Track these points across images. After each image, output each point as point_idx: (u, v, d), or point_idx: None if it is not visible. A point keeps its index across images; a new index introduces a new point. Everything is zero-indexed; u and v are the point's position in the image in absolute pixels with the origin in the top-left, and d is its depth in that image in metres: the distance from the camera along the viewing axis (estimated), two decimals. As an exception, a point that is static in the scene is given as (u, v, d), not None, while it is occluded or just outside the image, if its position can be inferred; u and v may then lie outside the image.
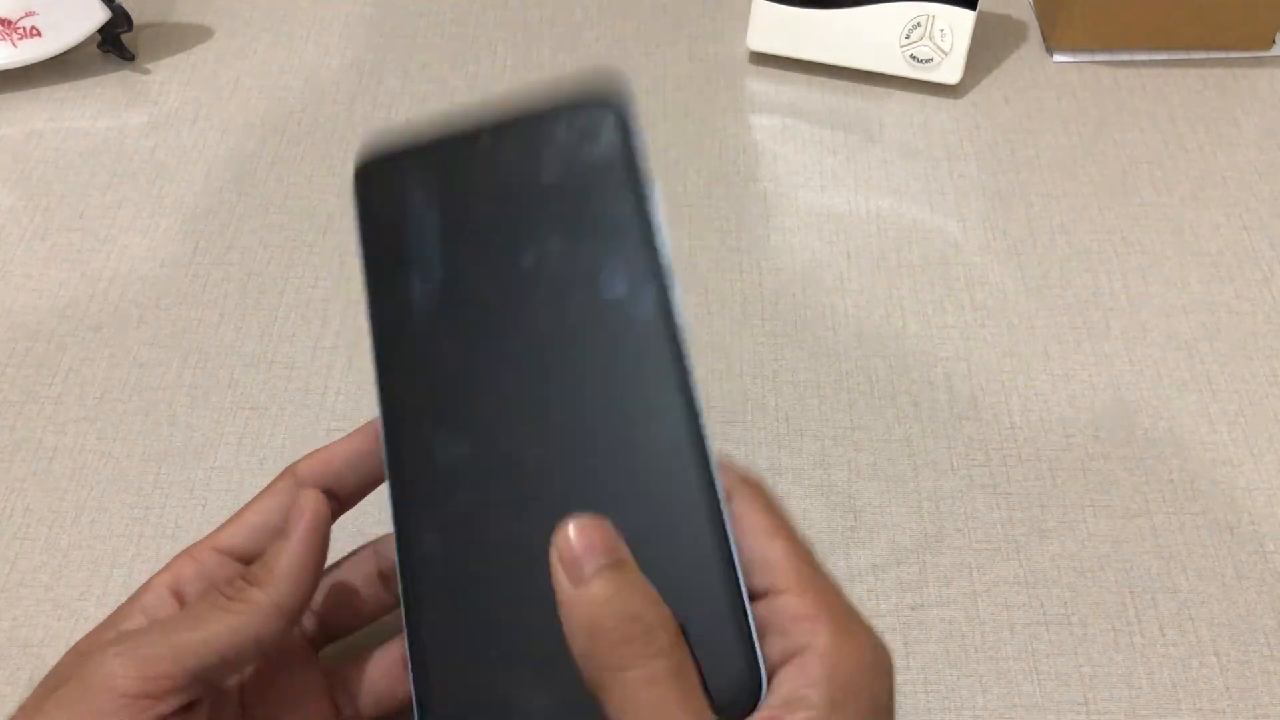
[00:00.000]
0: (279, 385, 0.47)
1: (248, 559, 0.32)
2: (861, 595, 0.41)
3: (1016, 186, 0.54)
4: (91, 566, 0.41)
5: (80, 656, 0.29)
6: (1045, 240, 0.52)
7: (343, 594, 0.34)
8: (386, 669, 0.33)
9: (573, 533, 0.25)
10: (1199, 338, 0.48)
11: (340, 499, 0.32)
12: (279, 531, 0.30)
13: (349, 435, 0.33)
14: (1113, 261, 0.51)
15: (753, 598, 0.27)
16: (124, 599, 0.32)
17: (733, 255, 0.51)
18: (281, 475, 0.33)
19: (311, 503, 0.30)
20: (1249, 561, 0.41)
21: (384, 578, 0.34)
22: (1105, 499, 0.43)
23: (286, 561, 0.29)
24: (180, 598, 0.31)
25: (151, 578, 0.31)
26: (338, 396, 0.46)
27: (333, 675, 0.34)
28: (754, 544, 0.27)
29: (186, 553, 0.32)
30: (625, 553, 0.26)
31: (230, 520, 0.32)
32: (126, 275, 0.51)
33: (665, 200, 0.54)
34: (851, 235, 0.52)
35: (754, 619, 0.26)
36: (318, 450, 0.33)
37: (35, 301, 0.50)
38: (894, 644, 0.39)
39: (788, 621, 0.26)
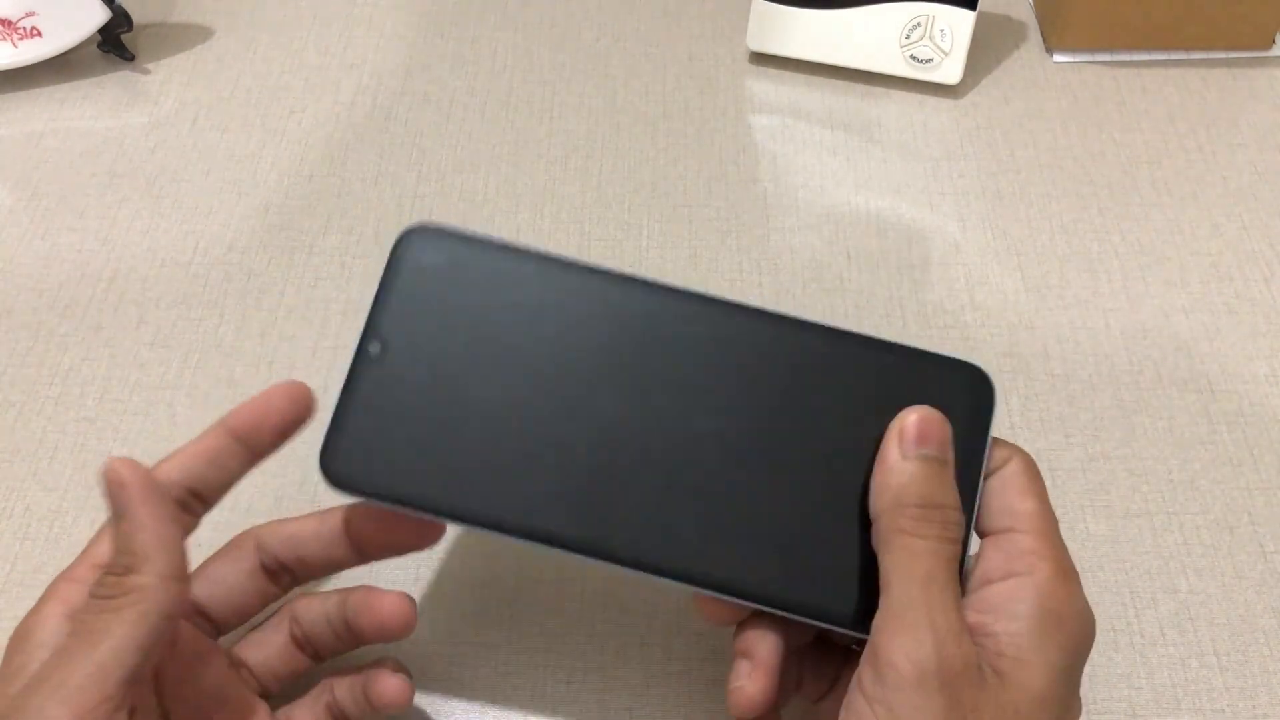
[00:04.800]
0: (279, 385, 0.47)
1: None
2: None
3: (1016, 186, 0.54)
4: (91, 566, 0.41)
5: None
6: (1045, 240, 0.52)
7: (223, 587, 0.34)
8: (279, 649, 0.33)
9: (919, 416, 0.30)
10: (1199, 338, 0.48)
11: (205, 499, 0.32)
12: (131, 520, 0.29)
13: (202, 436, 0.32)
14: (1113, 261, 0.51)
15: (994, 533, 0.30)
16: None
17: (733, 255, 0.51)
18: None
19: (126, 471, 0.29)
20: (1249, 561, 0.41)
21: (265, 570, 0.34)
22: (1105, 499, 0.43)
23: (144, 535, 0.29)
24: None
25: (34, 613, 0.30)
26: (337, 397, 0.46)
27: (235, 660, 0.34)
28: (1010, 497, 0.31)
29: (64, 578, 0.30)
30: (950, 456, 0.30)
31: (102, 536, 0.31)
32: (126, 275, 0.51)
33: (666, 203, 0.54)
34: (851, 235, 0.52)
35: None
36: (176, 453, 0.32)
37: (35, 301, 0.50)
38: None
39: (1017, 553, 0.29)
